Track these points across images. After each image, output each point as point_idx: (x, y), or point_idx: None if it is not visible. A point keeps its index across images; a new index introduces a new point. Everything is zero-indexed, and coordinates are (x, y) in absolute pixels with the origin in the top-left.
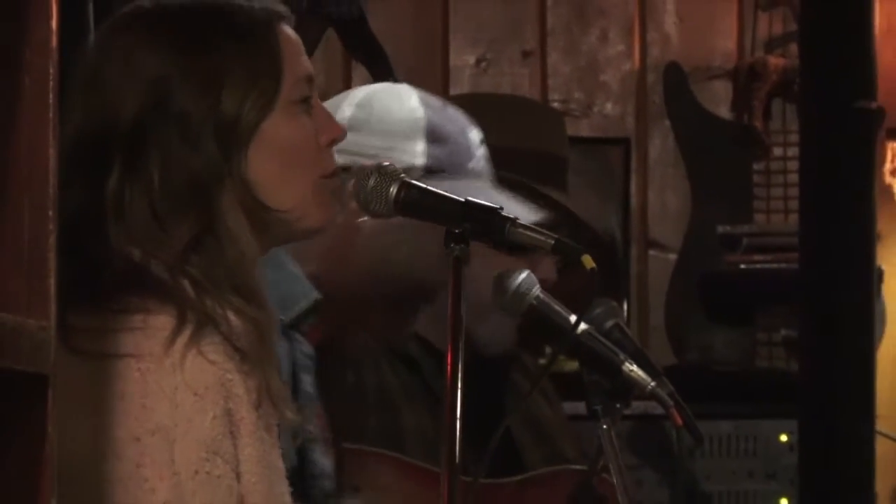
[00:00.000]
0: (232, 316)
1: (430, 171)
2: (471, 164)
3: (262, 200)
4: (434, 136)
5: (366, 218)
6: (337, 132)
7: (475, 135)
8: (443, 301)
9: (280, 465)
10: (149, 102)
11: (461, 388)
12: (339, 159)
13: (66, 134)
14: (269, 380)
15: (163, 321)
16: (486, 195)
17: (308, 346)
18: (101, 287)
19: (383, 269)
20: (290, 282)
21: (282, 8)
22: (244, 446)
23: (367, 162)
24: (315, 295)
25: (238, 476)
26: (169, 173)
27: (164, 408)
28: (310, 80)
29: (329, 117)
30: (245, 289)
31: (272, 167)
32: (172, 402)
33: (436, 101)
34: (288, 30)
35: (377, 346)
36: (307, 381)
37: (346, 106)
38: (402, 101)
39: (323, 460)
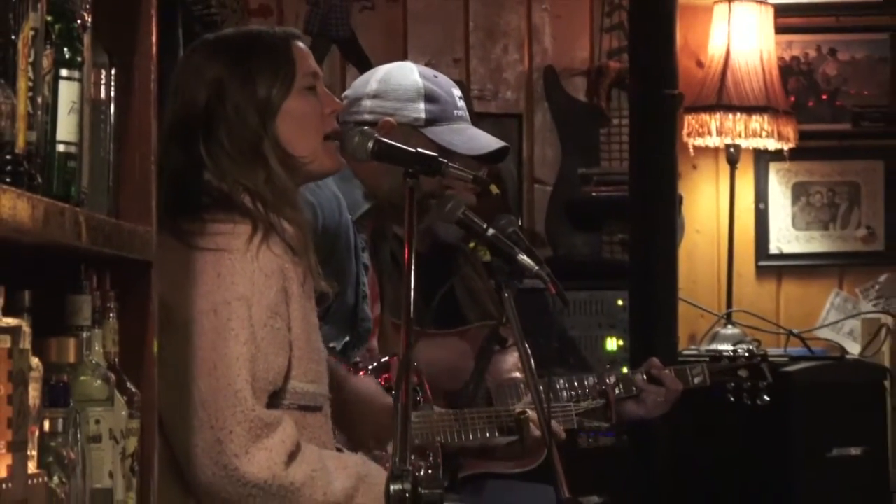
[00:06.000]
0: (286, 224)
1: (429, 122)
2: (456, 112)
3: (288, 151)
4: (430, 98)
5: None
6: (337, 106)
7: (457, 92)
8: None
9: (315, 322)
10: (212, 96)
11: (415, 275)
12: (369, 116)
13: (166, 119)
14: (310, 263)
15: (244, 228)
16: (468, 130)
17: (363, 236)
18: (203, 206)
19: (397, 193)
20: (355, 190)
21: (295, 30)
22: (293, 310)
23: (389, 119)
24: (371, 202)
25: (289, 329)
26: (232, 138)
27: (246, 283)
28: (315, 74)
29: (331, 97)
30: (292, 204)
31: (292, 129)
32: (251, 280)
33: (429, 72)
34: (300, 43)
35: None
36: (364, 258)
37: (373, 81)
38: (408, 75)
39: (367, 309)
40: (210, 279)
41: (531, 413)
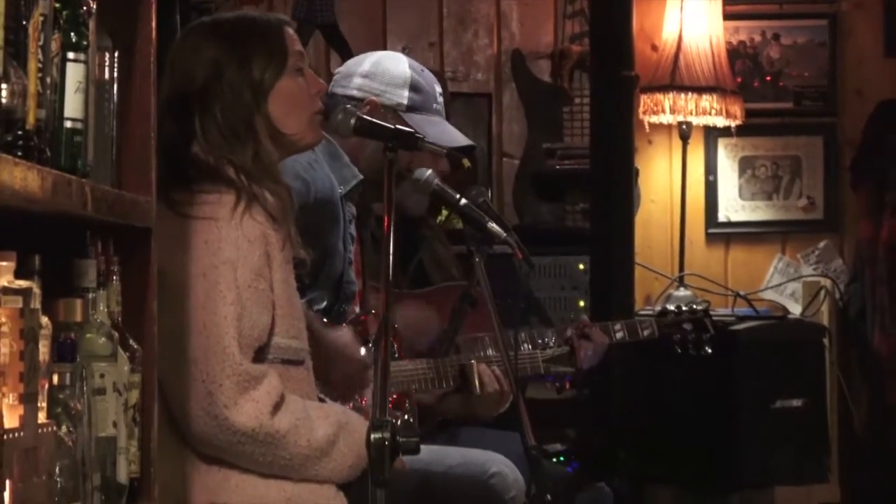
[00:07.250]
0: (268, 195)
1: (410, 109)
2: (435, 106)
3: (278, 128)
4: (414, 87)
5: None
6: (322, 87)
7: (439, 89)
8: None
9: (294, 284)
10: (210, 74)
11: (392, 243)
12: (357, 93)
13: (162, 93)
14: (290, 231)
15: (229, 198)
16: (442, 124)
17: (352, 208)
18: (192, 177)
19: (375, 168)
20: (344, 167)
21: (287, 18)
22: (275, 272)
23: (374, 99)
24: (360, 176)
25: (272, 289)
26: (225, 113)
27: (231, 249)
28: (302, 57)
29: (316, 78)
30: (274, 178)
31: (282, 108)
32: (236, 245)
33: (418, 66)
34: (290, 30)
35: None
36: (351, 229)
37: (367, 62)
38: (398, 64)
39: (352, 275)
40: (199, 245)
41: (476, 363)
